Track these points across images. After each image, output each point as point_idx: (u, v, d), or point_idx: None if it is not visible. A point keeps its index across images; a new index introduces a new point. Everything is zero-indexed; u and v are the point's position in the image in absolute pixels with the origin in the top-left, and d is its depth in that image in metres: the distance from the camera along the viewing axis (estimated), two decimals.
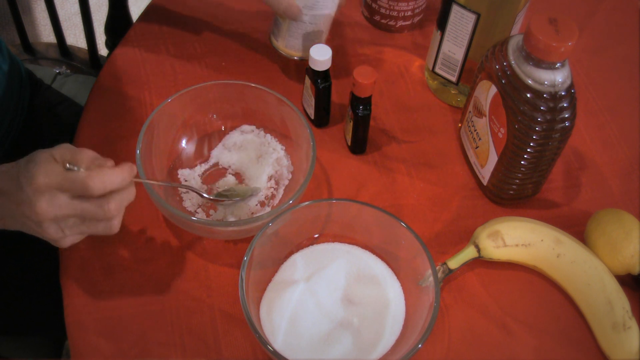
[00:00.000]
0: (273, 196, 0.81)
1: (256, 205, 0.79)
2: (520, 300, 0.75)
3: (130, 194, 0.65)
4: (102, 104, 0.89)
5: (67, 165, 0.62)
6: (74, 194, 0.61)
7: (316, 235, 0.76)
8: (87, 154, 0.64)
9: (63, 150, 0.63)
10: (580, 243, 0.75)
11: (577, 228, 0.78)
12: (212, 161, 0.84)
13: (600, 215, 0.76)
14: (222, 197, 0.78)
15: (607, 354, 0.70)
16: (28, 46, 1.32)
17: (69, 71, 1.20)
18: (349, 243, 0.76)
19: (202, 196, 0.76)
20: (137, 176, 0.67)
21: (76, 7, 1.42)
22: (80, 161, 0.62)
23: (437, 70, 0.90)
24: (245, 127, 0.84)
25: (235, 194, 0.78)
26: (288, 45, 0.88)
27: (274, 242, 0.72)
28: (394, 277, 0.73)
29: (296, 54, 0.88)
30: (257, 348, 0.70)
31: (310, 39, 0.85)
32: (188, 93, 0.79)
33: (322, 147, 0.86)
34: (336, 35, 0.98)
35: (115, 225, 0.64)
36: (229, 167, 0.83)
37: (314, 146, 0.75)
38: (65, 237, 0.64)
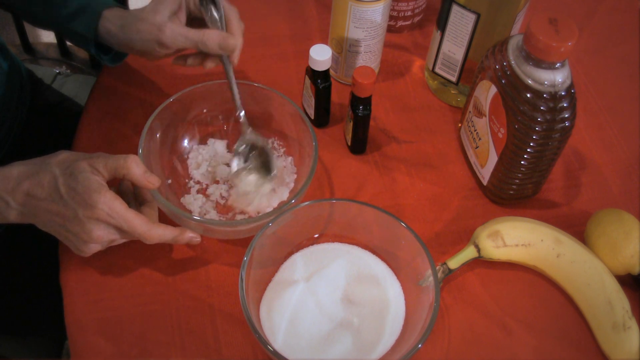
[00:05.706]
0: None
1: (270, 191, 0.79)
2: (520, 300, 0.75)
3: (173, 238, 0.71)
4: (102, 104, 0.89)
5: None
6: (128, 237, 0.68)
7: (316, 235, 0.76)
8: (135, 171, 0.67)
9: (103, 161, 0.66)
10: (580, 243, 0.75)
11: (577, 228, 0.79)
12: None
13: (600, 215, 0.76)
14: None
15: (607, 354, 0.70)
16: (28, 46, 1.32)
17: (69, 71, 1.20)
18: (349, 243, 0.75)
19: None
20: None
21: None
22: (130, 176, 0.67)
23: (437, 70, 0.90)
24: None
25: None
26: (347, 74, 0.91)
27: (274, 242, 0.72)
28: (394, 277, 0.73)
29: None
30: (257, 348, 0.70)
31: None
32: (190, 93, 0.79)
33: (322, 147, 0.86)
34: None
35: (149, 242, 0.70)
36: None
37: (316, 147, 0.75)
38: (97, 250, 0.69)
